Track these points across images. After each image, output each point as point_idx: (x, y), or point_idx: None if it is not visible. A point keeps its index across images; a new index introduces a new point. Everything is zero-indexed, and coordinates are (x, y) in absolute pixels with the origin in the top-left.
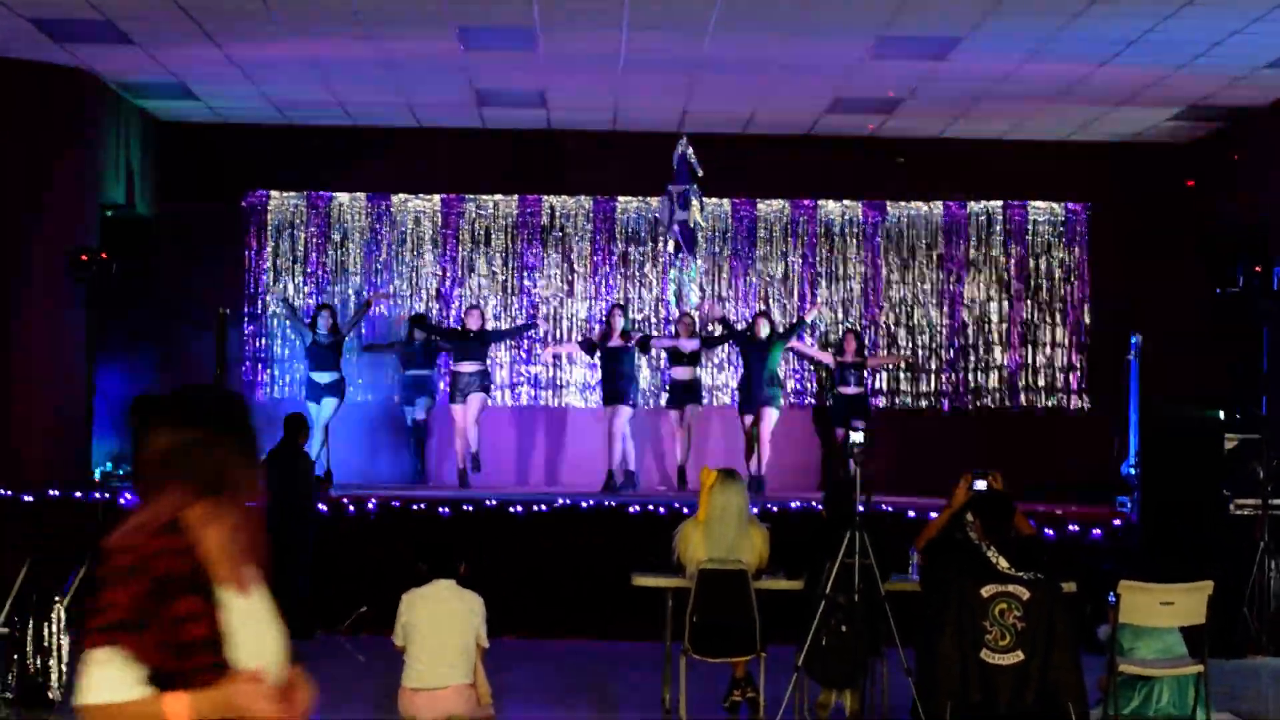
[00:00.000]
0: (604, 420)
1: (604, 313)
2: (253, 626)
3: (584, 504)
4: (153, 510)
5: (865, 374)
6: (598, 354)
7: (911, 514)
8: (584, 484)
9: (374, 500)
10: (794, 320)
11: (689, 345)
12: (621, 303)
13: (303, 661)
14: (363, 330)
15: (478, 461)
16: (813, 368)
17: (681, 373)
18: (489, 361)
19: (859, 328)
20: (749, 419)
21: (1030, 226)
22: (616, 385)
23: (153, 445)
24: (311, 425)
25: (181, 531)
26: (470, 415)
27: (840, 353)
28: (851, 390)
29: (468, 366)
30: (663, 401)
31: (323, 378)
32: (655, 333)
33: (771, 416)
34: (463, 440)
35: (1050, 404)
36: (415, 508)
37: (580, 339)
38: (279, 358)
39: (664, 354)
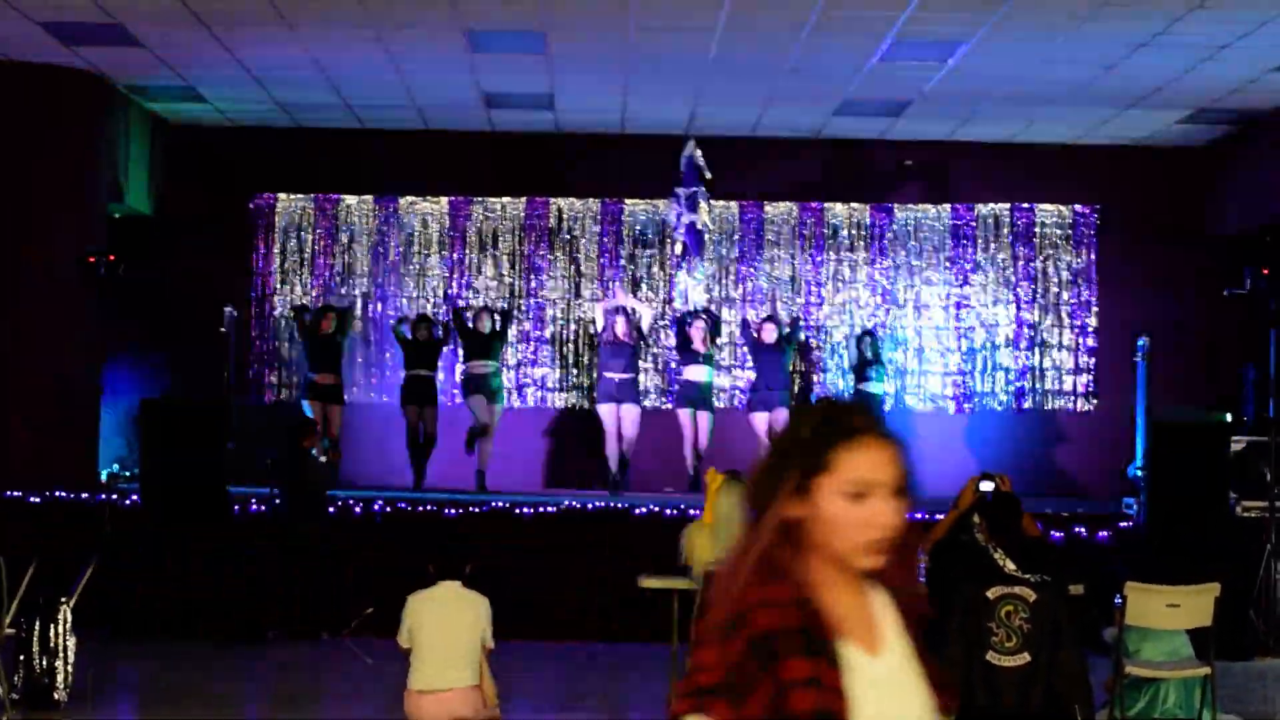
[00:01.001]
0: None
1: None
2: (884, 696)
3: (590, 505)
4: (754, 546)
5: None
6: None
7: (918, 515)
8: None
9: (380, 502)
10: (794, 318)
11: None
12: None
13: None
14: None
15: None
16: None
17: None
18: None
19: (869, 326)
20: (760, 420)
21: (1038, 229)
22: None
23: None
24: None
25: (791, 576)
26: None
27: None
28: (872, 387)
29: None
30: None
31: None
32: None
33: (780, 417)
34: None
35: (1057, 406)
36: (421, 509)
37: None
38: (286, 359)
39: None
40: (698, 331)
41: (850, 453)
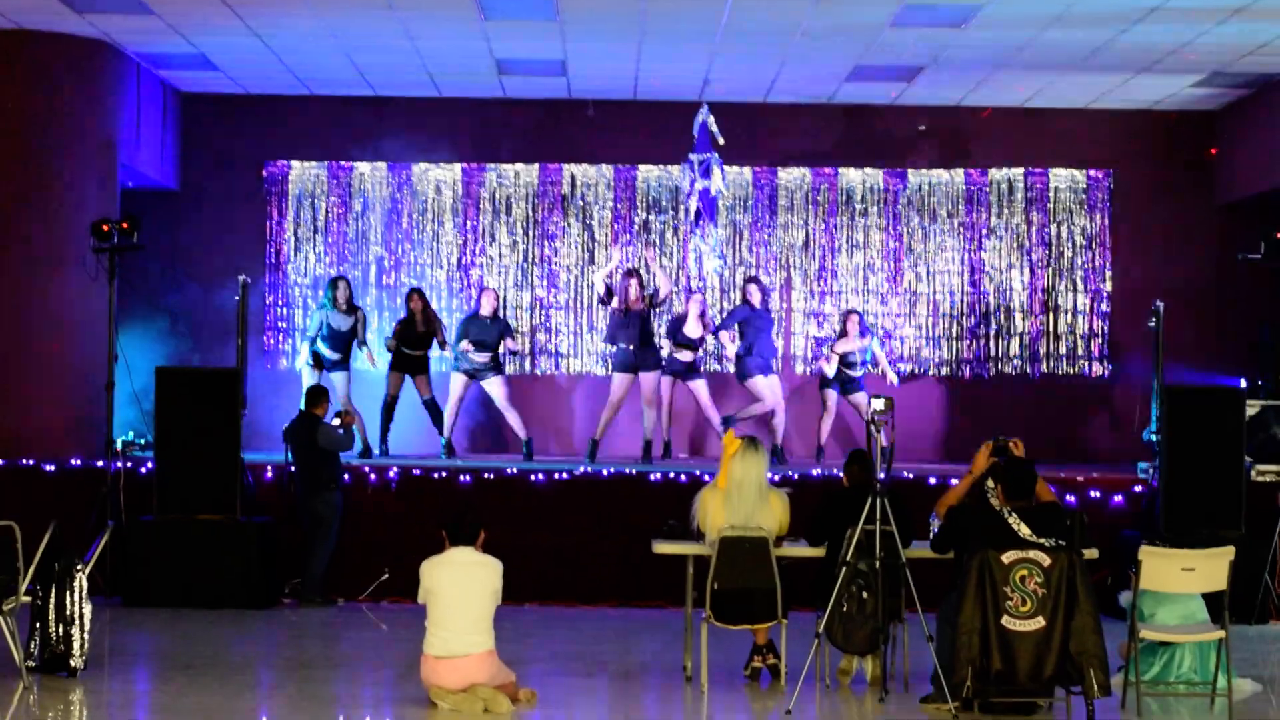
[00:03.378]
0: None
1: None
2: None
3: (604, 472)
4: None
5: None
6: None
7: (933, 481)
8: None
9: (395, 469)
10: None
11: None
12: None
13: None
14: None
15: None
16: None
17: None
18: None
19: (882, 293)
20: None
21: (1052, 194)
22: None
23: None
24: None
25: None
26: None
27: (843, 335)
28: (856, 373)
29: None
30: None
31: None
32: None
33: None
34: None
35: (1072, 371)
36: (435, 476)
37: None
38: (301, 327)
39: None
40: (695, 311)
41: None
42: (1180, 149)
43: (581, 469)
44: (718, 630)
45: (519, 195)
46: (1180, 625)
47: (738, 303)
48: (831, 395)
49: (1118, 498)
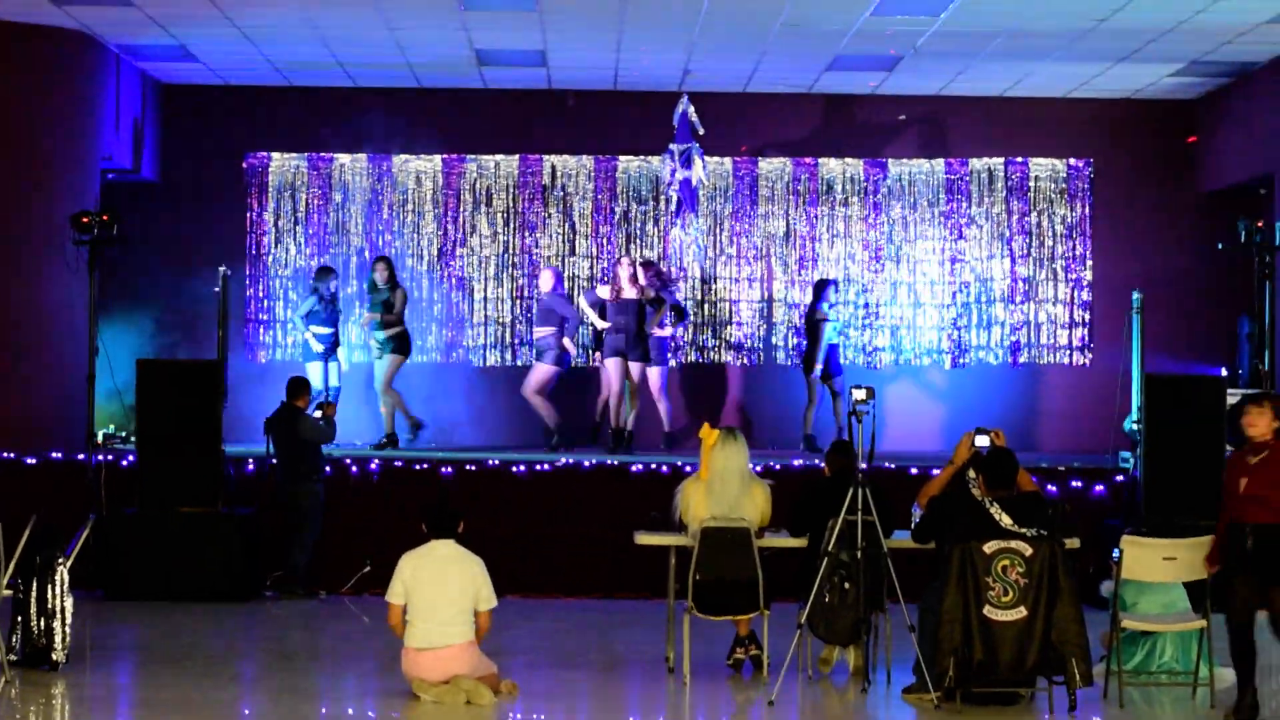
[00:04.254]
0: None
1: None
2: None
3: (586, 463)
4: None
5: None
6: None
7: (914, 471)
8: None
9: (376, 460)
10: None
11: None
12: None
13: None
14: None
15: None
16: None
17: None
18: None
19: (863, 284)
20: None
21: (1032, 183)
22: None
23: None
24: (313, 389)
25: None
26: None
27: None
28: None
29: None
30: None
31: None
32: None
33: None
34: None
35: (1052, 360)
36: (417, 467)
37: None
38: (281, 319)
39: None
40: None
41: None
42: (1160, 138)
43: (562, 460)
44: (700, 621)
45: (499, 186)
46: (1162, 614)
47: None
48: (817, 385)
49: (1099, 487)
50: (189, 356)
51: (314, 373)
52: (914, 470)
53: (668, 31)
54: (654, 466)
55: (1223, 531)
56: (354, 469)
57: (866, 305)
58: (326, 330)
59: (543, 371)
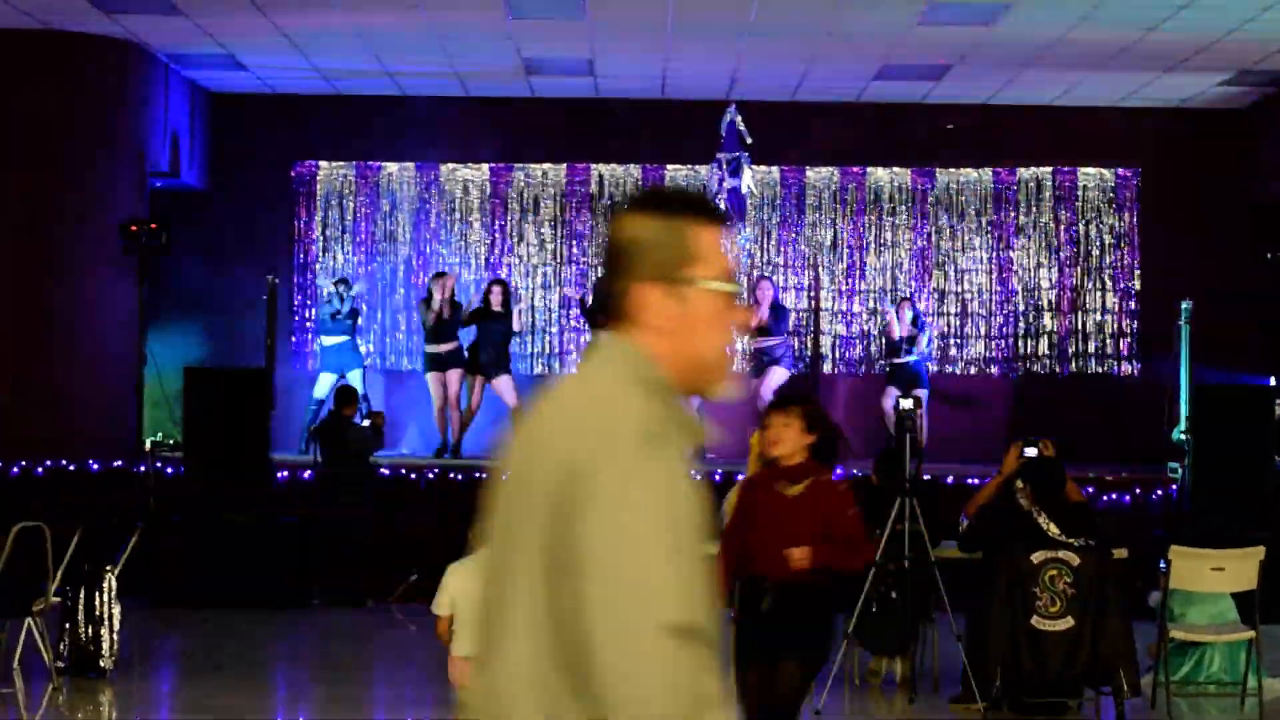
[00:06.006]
0: None
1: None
2: None
3: None
4: None
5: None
6: None
7: (963, 480)
8: None
9: (421, 470)
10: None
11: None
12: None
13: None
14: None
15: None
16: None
17: None
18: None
19: (909, 294)
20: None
21: (1080, 192)
22: None
23: None
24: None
25: None
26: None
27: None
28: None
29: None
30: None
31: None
32: None
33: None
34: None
35: (1100, 370)
36: (459, 477)
37: None
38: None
39: None
40: None
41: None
42: (1209, 147)
43: None
44: None
45: (547, 195)
46: (1210, 625)
47: None
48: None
49: (1147, 497)
50: (237, 364)
51: (325, 382)
52: (963, 480)
53: (715, 41)
54: (699, 476)
55: None
56: (411, 476)
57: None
58: (336, 339)
59: None
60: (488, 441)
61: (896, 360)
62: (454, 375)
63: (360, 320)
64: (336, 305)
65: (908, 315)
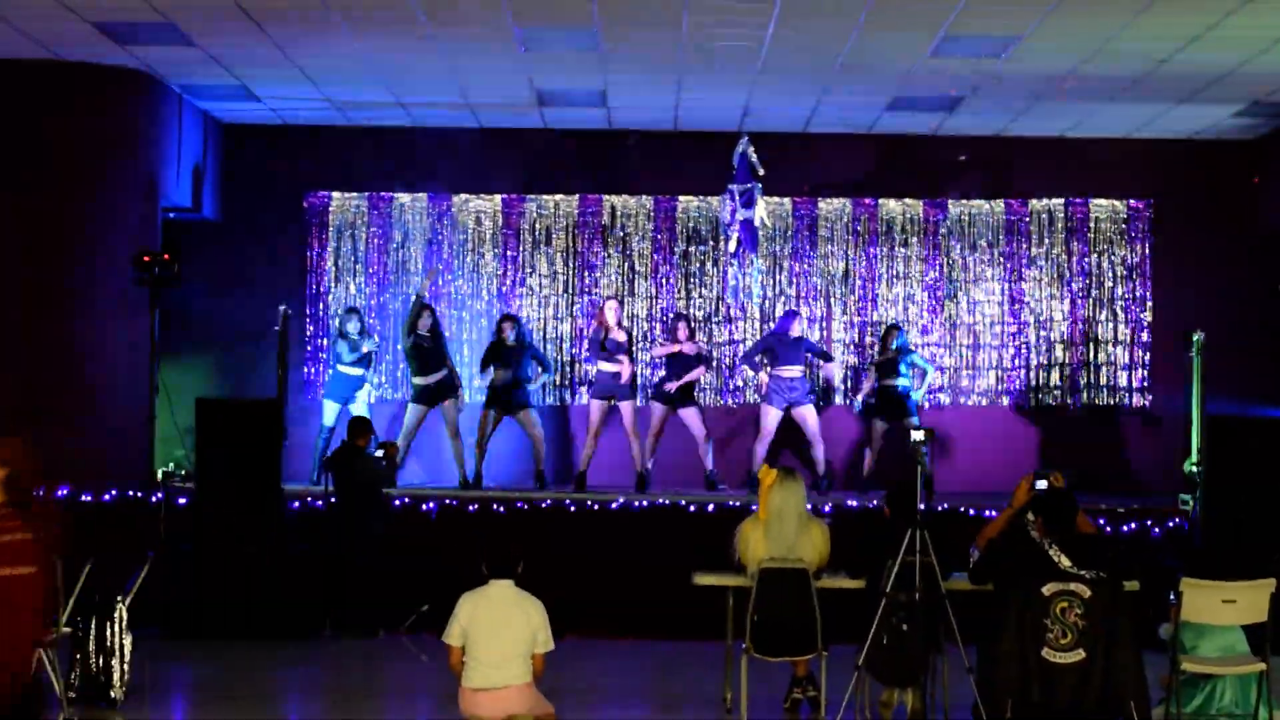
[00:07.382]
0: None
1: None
2: None
3: (640, 504)
4: None
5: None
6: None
7: (973, 512)
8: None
9: (432, 501)
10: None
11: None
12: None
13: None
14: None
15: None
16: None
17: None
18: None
19: (922, 324)
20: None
21: (1092, 224)
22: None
23: None
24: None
25: None
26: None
27: (884, 350)
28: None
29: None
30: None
31: (430, 379)
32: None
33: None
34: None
35: (1112, 402)
36: (471, 508)
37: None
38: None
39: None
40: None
41: None
42: (1222, 179)
43: (618, 500)
44: (758, 662)
45: (559, 226)
46: (1221, 657)
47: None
48: (878, 426)
49: (1159, 529)
50: (249, 395)
51: (331, 410)
52: (973, 512)
53: (728, 72)
54: (710, 509)
55: None
56: (427, 506)
57: (925, 346)
58: (353, 371)
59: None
60: (510, 474)
61: (887, 382)
62: (447, 405)
63: (374, 348)
64: (355, 344)
65: (894, 342)
